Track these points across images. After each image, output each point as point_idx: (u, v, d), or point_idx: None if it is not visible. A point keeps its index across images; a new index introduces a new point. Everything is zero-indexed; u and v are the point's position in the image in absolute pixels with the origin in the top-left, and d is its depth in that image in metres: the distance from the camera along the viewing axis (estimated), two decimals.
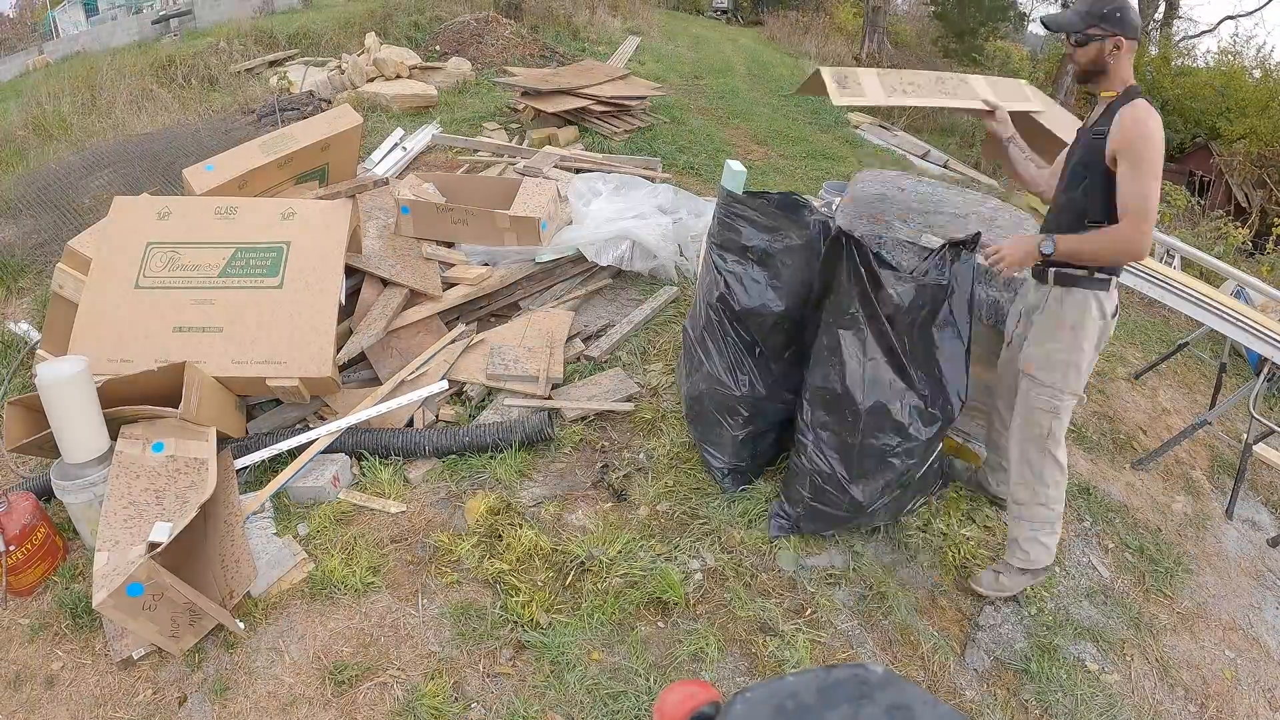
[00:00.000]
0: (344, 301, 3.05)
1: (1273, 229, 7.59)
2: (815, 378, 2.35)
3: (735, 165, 3.34)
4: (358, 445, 2.70)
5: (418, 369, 2.97)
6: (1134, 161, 1.92)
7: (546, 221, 3.56)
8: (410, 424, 2.86)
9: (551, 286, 3.67)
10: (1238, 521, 3.17)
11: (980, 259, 2.19)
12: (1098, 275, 2.10)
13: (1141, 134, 1.92)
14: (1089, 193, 2.07)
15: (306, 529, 2.45)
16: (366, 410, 2.78)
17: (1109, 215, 2.01)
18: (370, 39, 7.85)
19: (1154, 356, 4.21)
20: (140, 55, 8.62)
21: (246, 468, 2.64)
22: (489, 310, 3.52)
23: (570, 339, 3.32)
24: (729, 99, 8.82)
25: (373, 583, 2.28)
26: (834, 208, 3.51)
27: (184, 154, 5.06)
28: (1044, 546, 2.38)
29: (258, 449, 2.63)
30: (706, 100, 8.55)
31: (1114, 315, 2.18)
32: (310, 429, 2.73)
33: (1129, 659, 2.41)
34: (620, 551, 2.41)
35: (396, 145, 5.45)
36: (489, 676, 2.01)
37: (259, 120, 5.88)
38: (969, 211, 3.13)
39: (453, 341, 3.14)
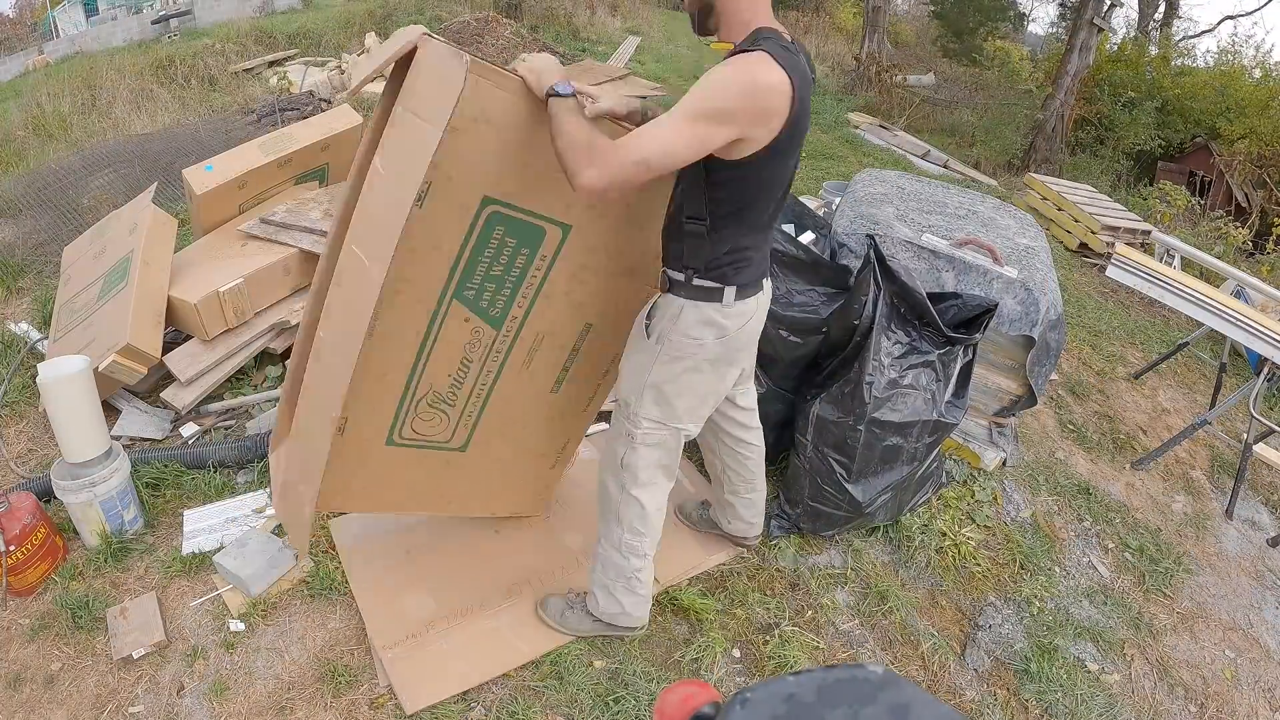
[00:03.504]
0: None
1: (1273, 229, 7.59)
2: (833, 376, 2.36)
3: None
4: None
5: None
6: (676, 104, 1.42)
7: None
8: None
9: None
10: (1238, 521, 3.18)
11: None
12: (696, 283, 1.64)
13: (705, 79, 1.42)
14: (685, 183, 1.62)
15: None
16: None
17: (707, 209, 1.57)
18: (370, 39, 7.85)
19: (1154, 356, 4.21)
20: (140, 55, 8.62)
21: (251, 464, 2.65)
22: None
23: None
24: None
25: None
26: (834, 208, 3.51)
27: (184, 154, 5.06)
28: (617, 603, 1.98)
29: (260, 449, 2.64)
30: None
31: (739, 334, 1.72)
32: None
33: (1129, 659, 2.41)
34: None
35: None
36: (490, 677, 2.01)
37: (259, 120, 5.87)
38: (969, 211, 3.13)
39: None
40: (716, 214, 1.57)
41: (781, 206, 1.69)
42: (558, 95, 1.42)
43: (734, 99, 1.39)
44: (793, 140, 1.49)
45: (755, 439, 2.15)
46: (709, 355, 1.72)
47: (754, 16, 1.51)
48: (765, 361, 2.44)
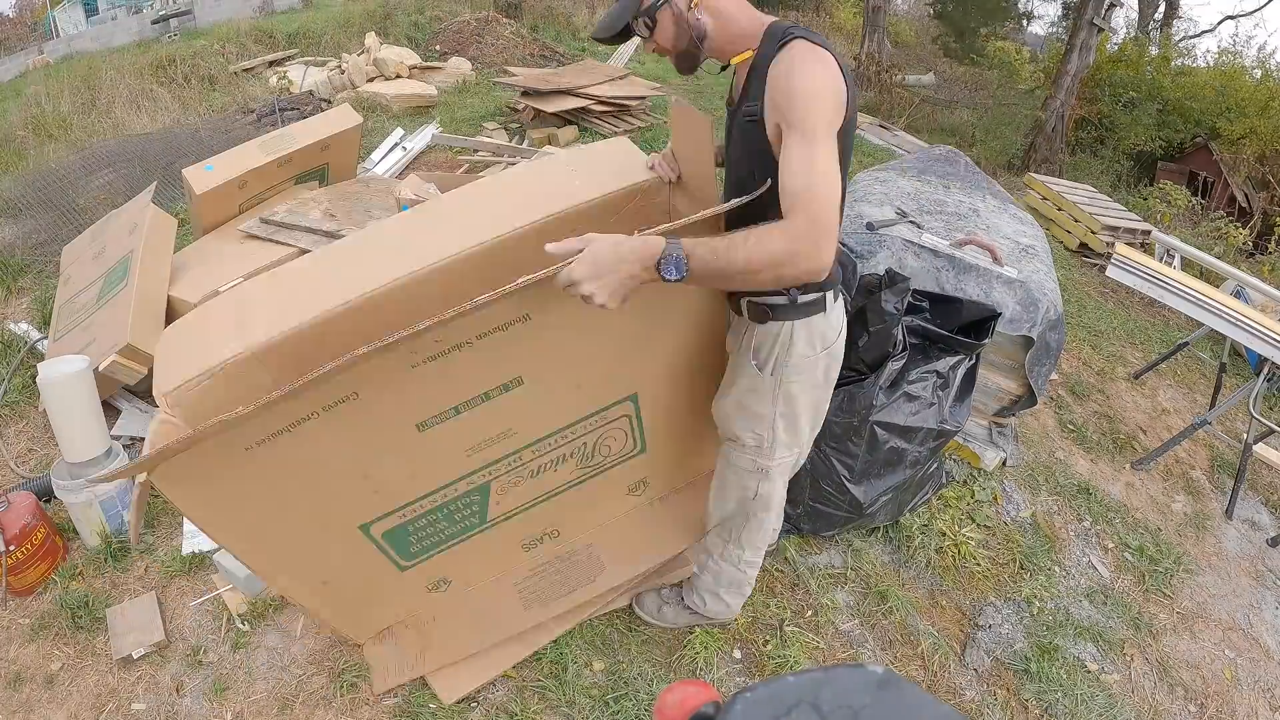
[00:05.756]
0: None
1: (1274, 229, 7.59)
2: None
3: None
4: None
5: None
6: (793, 125, 1.29)
7: None
8: None
9: None
10: (1237, 521, 3.18)
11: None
12: (801, 301, 1.53)
13: (797, 86, 1.29)
14: (765, 195, 1.40)
15: None
16: None
17: None
18: (370, 39, 7.84)
19: (1154, 356, 4.21)
20: (140, 55, 8.61)
21: None
22: None
23: None
24: None
25: None
26: None
27: (184, 154, 5.06)
28: (724, 604, 2.07)
29: None
30: (706, 100, 8.55)
31: (839, 338, 1.65)
32: None
33: (1129, 659, 2.41)
34: None
35: (397, 145, 5.45)
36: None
37: (259, 120, 5.87)
38: (969, 211, 3.13)
39: None
40: None
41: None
42: (674, 263, 1.26)
43: (833, 95, 1.31)
44: (849, 125, 1.39)
45: None
46: (823, 368, 1.65)
47: (752, 13, 1.46)
48: None
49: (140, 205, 3.18)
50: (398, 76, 7.08)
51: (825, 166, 1.26)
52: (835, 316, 1.62)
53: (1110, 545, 2.84)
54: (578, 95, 6.05)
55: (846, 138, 1.37)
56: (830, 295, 1.57)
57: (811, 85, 1.29)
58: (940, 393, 2.25)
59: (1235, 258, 6.63)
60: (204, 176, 3.29)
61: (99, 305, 2.87)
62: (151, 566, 2.29)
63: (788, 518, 2.50)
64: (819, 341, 1.59)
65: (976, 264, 2.61)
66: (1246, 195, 9.55)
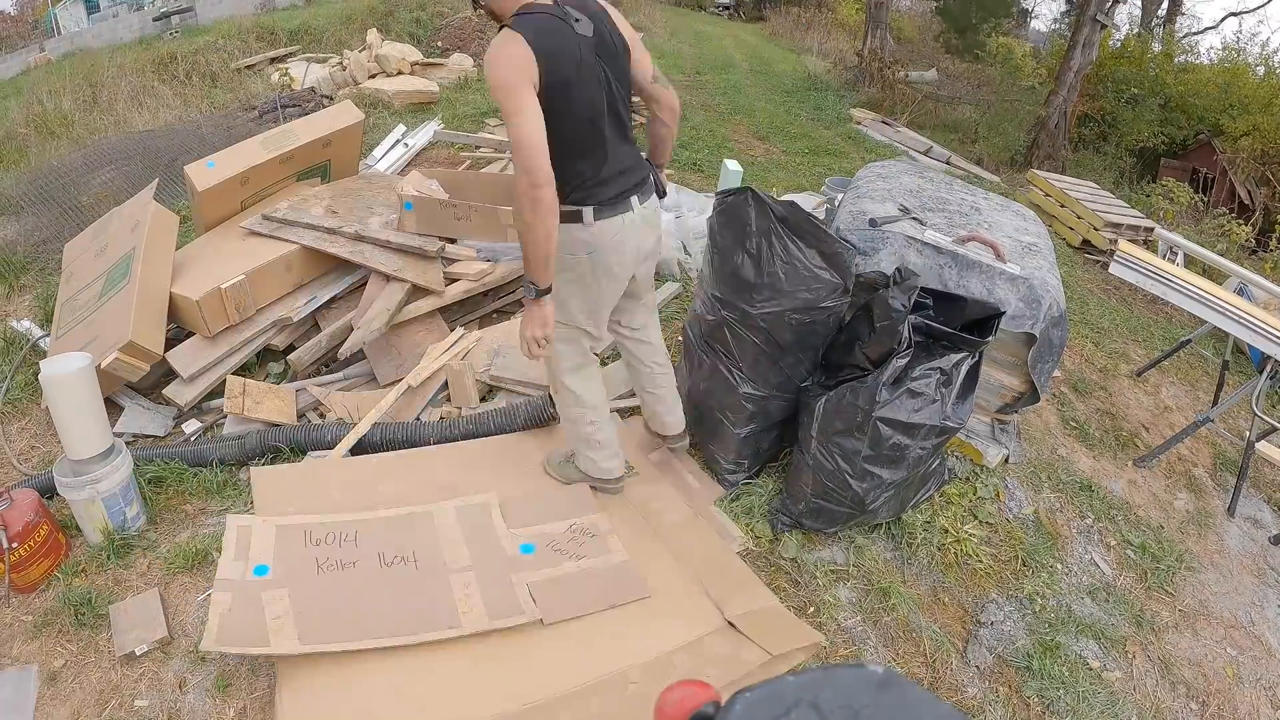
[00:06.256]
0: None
1: (1276, 226, 7.56)
2: (841, 373, 2.36)
3: (732, 165, 3.34)
4: (365, 439, 2.69)
5: (431, 370, 2.94)
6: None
7: None
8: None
9: None
10: (1240, 519, 3.17)
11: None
12: (563, 208, 1.97)
13: (487, 67, 1.83)
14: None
15: None
16: (387, 403, 2.78)
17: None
18: (372, 35, 7.84)
19: (1156, 353, 4.20)
20: (142, 52, 8.62)
21: (254, 461, 2.65)
22: (493, 308, 3.52)
23: None
24: (731, 95, 8.82)
25: None
26: (836, 204, 3.50)
27: (186, 151, 5.06)
28: (584, 456, 2.47)
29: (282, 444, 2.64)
30: (708, 96, 8.55)
31: (608, 249, 2.07)
32: (322, 427, 2.73)
33: (1131, 656, 2.41)
34: None
35: (399, 142, 5.45)
36: None
37: (260, 117, 5.88)
38: (972, 208, 3.12)
39: (456, 342, 3.13)
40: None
41: (599, 137, 1.98)
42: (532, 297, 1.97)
43: (502, 73, 1.78)
44: (559, 78, 1.82)
45: (646, 354, 2.53)
46: (585, 269, 2.08)
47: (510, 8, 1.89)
48: (776, 352, 2.42)
49: (142, 202, 3.18)
50: (399, 73, 7.07)
51: (511, 130, 1.78)
52: (601, 230, 2.03)
53: (1112, 543, 2.84)
54: None
55: (554, 88, 1.82)
56: (590, 211, 2.00)
57: (488, 74, 1.82)
58: (943, 390, 2.25)
59: (1238, 255, 6.61)
60: (206, 173, 3.28)
61: (101, 302, 2.88)
62: (154, 563, 2.29)
63: (790, 513, 2.50)
64: (581, 246, 2.04)
65: (979, 261, 2.60)
66: (1249, 192, 9.51)
